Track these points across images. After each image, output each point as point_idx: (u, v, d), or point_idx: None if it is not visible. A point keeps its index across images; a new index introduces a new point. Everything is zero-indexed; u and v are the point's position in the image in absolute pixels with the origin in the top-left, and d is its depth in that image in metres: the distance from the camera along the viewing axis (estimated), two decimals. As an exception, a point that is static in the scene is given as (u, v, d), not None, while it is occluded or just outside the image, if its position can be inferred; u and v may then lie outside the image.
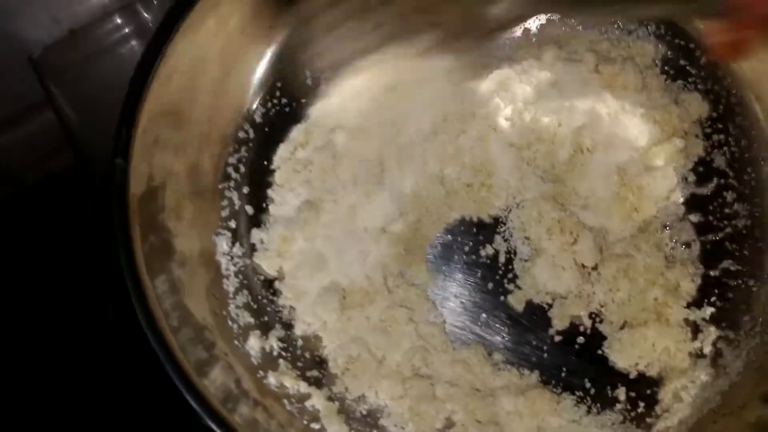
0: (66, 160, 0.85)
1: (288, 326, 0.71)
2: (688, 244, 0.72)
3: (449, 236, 0.73)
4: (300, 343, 0.71)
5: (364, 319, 0.70)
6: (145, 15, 0.86)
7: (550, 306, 0.71)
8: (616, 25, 0.76)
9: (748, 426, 0.62)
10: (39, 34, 0.84)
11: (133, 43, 0.86)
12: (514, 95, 0.74)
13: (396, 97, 0.74)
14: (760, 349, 0.67)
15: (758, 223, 0.72)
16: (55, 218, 0.84)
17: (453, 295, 0.72)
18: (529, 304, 0.71)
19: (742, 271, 0.71)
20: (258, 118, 0.76)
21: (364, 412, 0.69)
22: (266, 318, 0.71)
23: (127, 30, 0.86)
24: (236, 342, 0.68)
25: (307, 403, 0.68)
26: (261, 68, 0.76)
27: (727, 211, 0.73)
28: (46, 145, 0.87)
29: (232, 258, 0.72)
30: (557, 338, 0.70)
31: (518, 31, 0.77)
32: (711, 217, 0.73)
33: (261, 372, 0.68)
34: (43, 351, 0.78)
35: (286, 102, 0.77)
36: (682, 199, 0.73)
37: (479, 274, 0.72)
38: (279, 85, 0.76)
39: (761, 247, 0.72)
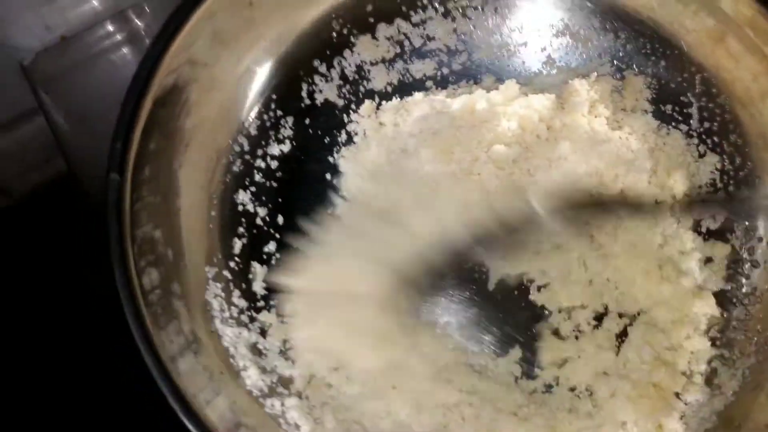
0: (57, 167, 0.84)
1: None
2: (683, 263, 0.72)
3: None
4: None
5: None
6: (137, 22, 0.86)
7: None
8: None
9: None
10: (30, 42, 0.83)
11: (125, 50, 0.86)
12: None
13: None
14: (756, 368, 0.67)
15: (752, 242, 0.72)
16: (47, 226, 0.83)
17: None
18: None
19: (736, 289, 0.71)
20: (253, 131, 0.75)
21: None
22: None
23: (119, 37, 0.86)
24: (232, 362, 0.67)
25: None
26: (257, 81, 0.75)
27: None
28: (37, 152, 0.86)
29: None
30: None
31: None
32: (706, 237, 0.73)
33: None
34: (34, 363, 0.77)
35: (281, 114, 0.76)
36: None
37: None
38: (274, 97, 0.75)
39: (755, 266, 0.72)
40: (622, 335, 0.71)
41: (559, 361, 0.70)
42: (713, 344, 0.70)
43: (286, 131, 0.76)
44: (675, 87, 0.76)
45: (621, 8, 0.76)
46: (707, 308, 0.70)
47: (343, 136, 0.77)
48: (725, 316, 0.71)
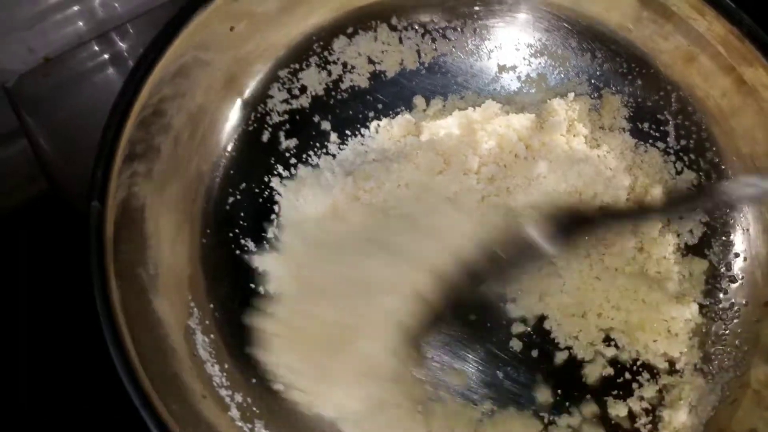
0: (40, 186, 0.84)
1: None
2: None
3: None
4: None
5: None
6: (120, 44, 0.86)
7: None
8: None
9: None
10: (14, 63, 0.83)
11: (109, 71, 0.86)
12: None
13: None
14: (734, 382, 0.68)
15: (729, 257, 0.74)
16: (29, 246, 0.82)
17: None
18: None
19: (714, 304, 0.73)
20: (236, 155, 0.75)
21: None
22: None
23: (102, 58, 0.86)
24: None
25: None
26: (236, 109, 0.75)
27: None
28: (20, 173, 0.86)
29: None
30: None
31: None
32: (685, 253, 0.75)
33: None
34: (14, 380, 0.76)
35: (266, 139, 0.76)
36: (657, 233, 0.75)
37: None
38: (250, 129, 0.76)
39: (733, 282, 0.73)
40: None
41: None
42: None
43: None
44: (651, 105, 0.78)
45: (597, 29, 0.78)
46: (689, 314, 0.71)
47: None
48: (704, 330, 0.72)
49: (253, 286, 0.72)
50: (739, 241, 0.74)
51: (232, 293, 0.71)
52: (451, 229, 0.70)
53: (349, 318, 0.67)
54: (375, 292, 0.67)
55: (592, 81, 0.79)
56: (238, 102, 0.75)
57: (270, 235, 0.73)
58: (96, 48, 0.86)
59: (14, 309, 0.78)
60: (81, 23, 0.86)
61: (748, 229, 0.73)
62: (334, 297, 0.67)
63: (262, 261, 0.72)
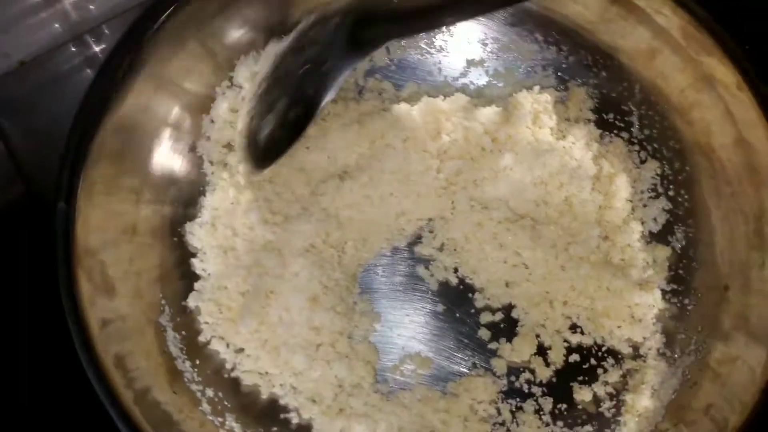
0: (17, 189, 0.85)
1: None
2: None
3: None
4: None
5: None
6: (95, 48, 0.87)
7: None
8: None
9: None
10: (-12, 68, 0.84)
11: (85, 73, 0.87)
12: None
13: None
14: (695, 366, 0.70)
15: (692, 243, 0.75)
16: (5, 250, 0.83)
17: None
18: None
19: (677, 290, 0.74)
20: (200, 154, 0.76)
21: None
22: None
23: (77, 61, 0.87)
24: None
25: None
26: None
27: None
28: (-3, 176, 0.87)
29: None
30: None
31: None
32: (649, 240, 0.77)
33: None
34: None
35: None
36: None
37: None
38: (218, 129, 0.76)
39: (695, 267, 0.74)
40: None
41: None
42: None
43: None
44: (616, 96, 0.79)
45: (562, 23, 0.79)
46: (652, 300, 0.73)
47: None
48: (667, 315, 0.74)
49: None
50: (700, 227, 0.75)
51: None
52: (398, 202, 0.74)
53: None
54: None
55: (559, 74, 0.80)
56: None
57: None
58: (72, 49, 0.87)
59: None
60: (56, 25, 0.86)
61: (709, 216, 0.74)
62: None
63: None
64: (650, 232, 0.77)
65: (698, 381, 0.68)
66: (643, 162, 0.78)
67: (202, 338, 0.71)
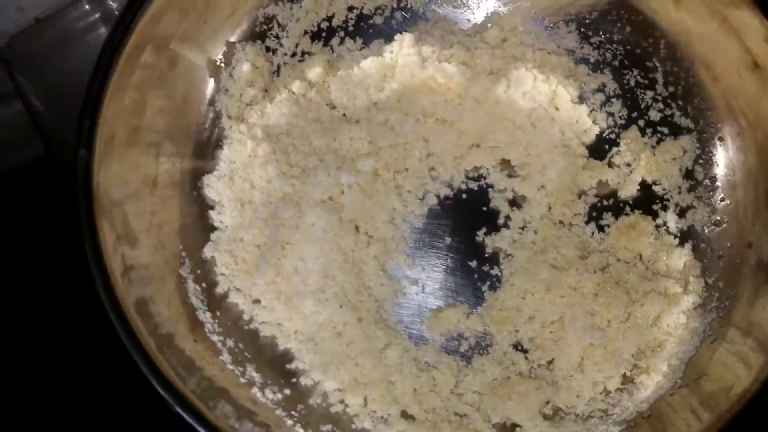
0: (35, 148, 0.85)
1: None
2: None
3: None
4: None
5: None
6: (111, 2, 0.86)
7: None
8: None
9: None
10: (5, 25, 0.83)
11: (101, 30, 0.86)
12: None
13: None
14: (715, 323, 0.70)
15: (713, 202, 0.74)
16: (26, 207, 0.83)
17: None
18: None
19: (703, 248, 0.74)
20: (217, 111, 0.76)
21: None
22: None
23: (93, 17, 0.86)
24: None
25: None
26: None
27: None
28: (15, 135, 0.87)
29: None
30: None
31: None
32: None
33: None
34: (9, 341, 0.78)
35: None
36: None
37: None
38: (233, 76, 0.76)
39: (717, 225, 0.74)
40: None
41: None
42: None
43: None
44: (641, 53, 0.77)
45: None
46: (685, 256, 0.73)
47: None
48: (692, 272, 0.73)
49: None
50: (723, 186, 0.74)
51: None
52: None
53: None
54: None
55: (581, 29, 0.79)
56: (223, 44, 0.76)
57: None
58: (87, 7, 0.86)
59: (12, 274, 0.79)
60: (72, -19, 0.86)
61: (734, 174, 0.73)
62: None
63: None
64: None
65: (718, 338, 0.68)
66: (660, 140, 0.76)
67: (219, 290, 0.71)
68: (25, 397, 0.76)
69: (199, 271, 0.70)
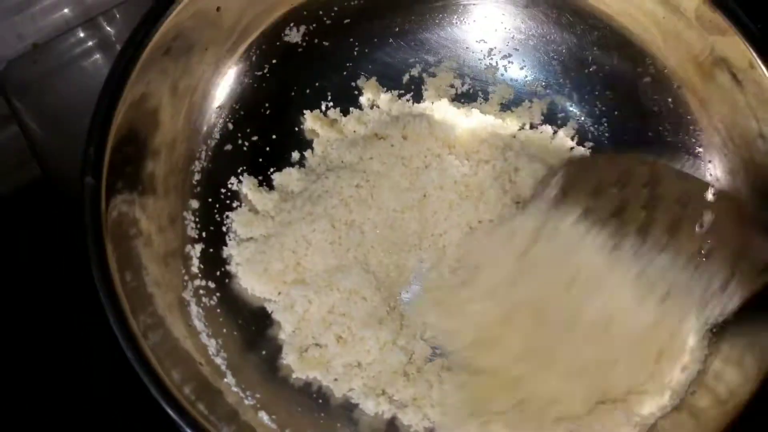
0: (32, 172, 0.86)
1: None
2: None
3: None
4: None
5: None
6: (108, 29, 0.87)
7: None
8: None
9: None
10: (3, 50, 0.84)
11: (97, 56, 0.88)
12: None
13: None
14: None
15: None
16: (22, 231, 0.83)
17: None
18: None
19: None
20: (217, 136, 0.77)
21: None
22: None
23: (90, 43, 0.87)
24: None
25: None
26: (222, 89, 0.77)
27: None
28: (11, 158, 0.87)
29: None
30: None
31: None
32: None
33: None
34: (9, 361, 0.78)
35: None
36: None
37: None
38: (237, 106, 0.77)
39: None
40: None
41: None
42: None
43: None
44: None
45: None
46: None
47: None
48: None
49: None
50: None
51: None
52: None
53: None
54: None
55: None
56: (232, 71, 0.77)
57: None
58: (83, 34, 0.87)
59: (9, 296, 0.79)
60: (68, 10, 0.87)
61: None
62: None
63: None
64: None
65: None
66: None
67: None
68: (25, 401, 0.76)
69: (201, 292, 0.71)
